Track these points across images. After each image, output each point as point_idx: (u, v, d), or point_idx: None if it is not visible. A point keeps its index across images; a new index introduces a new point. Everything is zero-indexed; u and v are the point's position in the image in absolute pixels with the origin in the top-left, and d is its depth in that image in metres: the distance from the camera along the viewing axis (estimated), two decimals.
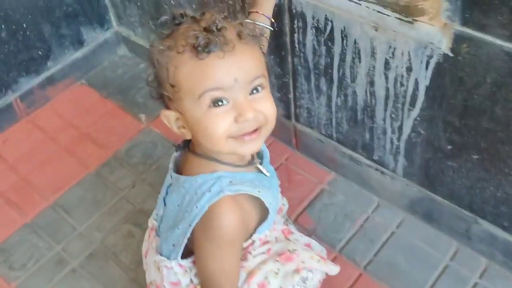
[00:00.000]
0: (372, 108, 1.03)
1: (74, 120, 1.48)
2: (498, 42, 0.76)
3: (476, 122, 0.88)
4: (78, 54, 1.54)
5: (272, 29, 0.93)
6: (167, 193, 0.85)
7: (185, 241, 0.80)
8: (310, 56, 1.06)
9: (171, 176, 0.84)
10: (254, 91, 0.73)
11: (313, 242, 0.94)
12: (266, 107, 0.74)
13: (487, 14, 0.74)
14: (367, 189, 1.22)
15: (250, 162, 0.84)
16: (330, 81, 1.07)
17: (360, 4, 0.90)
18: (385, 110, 1.01)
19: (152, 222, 0.92)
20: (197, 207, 0.76)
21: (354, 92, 1.04)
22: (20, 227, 1.25)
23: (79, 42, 1.53)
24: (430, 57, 0.86)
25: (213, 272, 0.80)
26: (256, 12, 0.92)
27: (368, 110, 1.05)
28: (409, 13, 0.85)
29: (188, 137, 0.79)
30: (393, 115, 1.01)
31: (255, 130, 0.74)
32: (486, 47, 0.78)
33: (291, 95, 1.20)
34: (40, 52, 1.45)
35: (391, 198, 1.18)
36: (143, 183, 1.31)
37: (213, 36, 0.70)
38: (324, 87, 1.09)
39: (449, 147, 0.96)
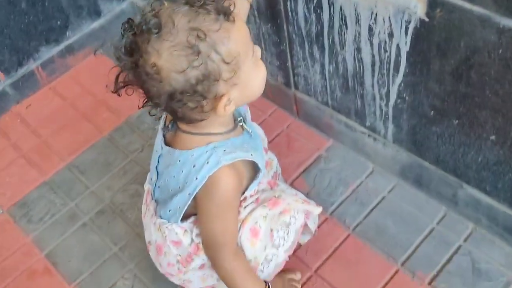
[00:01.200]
0: (361, 74, 1.06)
1: (91, 87, 1.57)
2: (468, 6, 0.77)
3: (454, 87, 0.90)
4: (95, 24, 1.62)
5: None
6: (158, 162, 0.91)
7: (186, 208, 0.87)
8: (302, 24, 1.09)
9: (162, 147, 0.89)
10: None
11: (299, 194, 0.99)
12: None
13: None
14: (362, 155, 1.25)
15: (235, 125, 0.89)
16: (322, 49, 1.10)
17: None
18: (373, 76, 1.04)
19: (147, 186, 0.99)
20: (197, 178, 0.82)
21: (344, 59, 1.07)
22: (39, 184, 1.36)
23: (96, 13, 1.61)
24: (408, 22, 0.88)
25: (219, 232, 0.87)
26: None
27: (357, 77, 1.08)
28: None
29: (224, 114, 0.79)
30: (380, 81, 1.03)
31: None
32: (458, 11, 0.79)
33: (289, 63, 1.24)
34: (58, 22, 1.53)
35: (384, 164, 1.21)
36: (151, 148, 1.36)
37: (217, 4, 0.74)
38: (317, 54, 1.13)
39: (432, 112, 0.98)
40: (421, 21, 0.86)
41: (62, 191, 1.34)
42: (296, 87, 1.29)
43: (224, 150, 0.82)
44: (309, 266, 1.11)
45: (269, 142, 1.33)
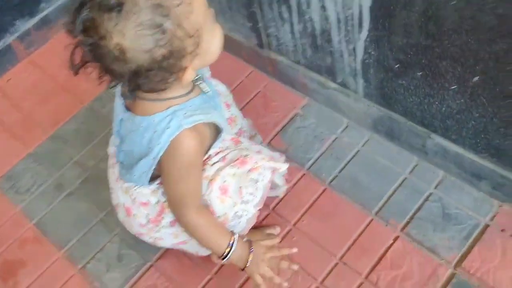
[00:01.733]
0: (328, 32, 1.08)
1: None
2: None
3: (415, 39, 0.92)
4: None
5: None
6: (120, 126, 0.93)
7: (151, 171, 0.90)
8: None
9: (123, 111, 0.91)
10: None
11: (264, 149, 1.03)
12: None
13: None
14: (336, 111, 1.28)
15: (194, 85, 0.91)
16: (289, 8, 1.11)
17: None
18: (339, 33, 1.06)
19: (111, 149, 1.02)
20: (159, 143, 0.84)
21: (311, 18, 1.08)
22: (24, 156, 1.39)
23: None
24: None
25: (182, 192, 0.91)
26: None
27: (325, 35, 1.09)
28: None
29: (186, 82, 0.81)
30: (346, 38, 1.05)
31: None
32: None
33: (260, 24, 1.25)
34: None
35: (357, 119, 1.24)
36: None
37: None
38: (285, 14, 1.14)
39: (397, 65, 1.00)
40: None
41: (47, 161, 1.37)
42: (270, 48, 1.30)
43: (185, 113, 0.84)
44: (287, 220, 1.16)
45: (246, 103, 1.37)
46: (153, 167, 0.88)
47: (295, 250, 1.09)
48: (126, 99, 0.91)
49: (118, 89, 0.93)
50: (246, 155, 0.95)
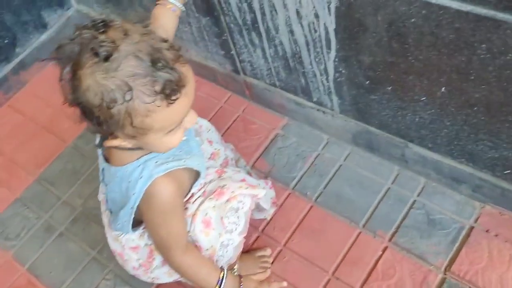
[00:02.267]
0: (299, 54, 1.11)
1: (49, 99, 1.59)
2: None
3: (381, 57, 0.95)
4: (44, 37, 1.63)
5: (184, 9, 0.98)
6: (104, 176, 0.95)
7: (131, 219, 0.92)
8: (237, 14, 1.13)
9: (103, 161, 0.92)
10: None
11: (248, 178, 1.05)
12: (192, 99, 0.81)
13: None
14: (316, 129, 1.31)
15: None
16: (259, 35, 1.14)
17: None
18: (309, 55, 1.08)
19: (100, 196, 1.04)
20: (134, 193, 0.86)
21: (281, 42, 1.11)
22: (11, 202, 1.40)
23: (43, 25, 1.62)
24: (330, 2, 0.92)
25: (165, 237, 0.92)
26: None
27: (296, 57, 1.12)
28: None
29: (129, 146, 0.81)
30: (316, 59, 1.08)
31: None
32: None
33: (233, 52, 1.28)
34: (6, 41, 1.54)
35: (337, 134, 1.27)
36: None
37: (170, 76, 0.71)
38: (256, 40, 1.17)
39: (367, 82, 1.03)
40: (340, 0, 0.90)
41: (35, 205, 1.38)
42: (244, 73, 1.33)
43: (156, 162, 0.85)
44: (277, 241, 1.18)
45: (228, 128, 1.39)
46: (132, 216, 0.90)
47: (285, 284, 1.10)
48: (102, 148, 0.92)
49: (96, 142, 0.95)
50: (223, 186, 0.97)
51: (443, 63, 0.85)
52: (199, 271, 0.96)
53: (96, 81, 0.70)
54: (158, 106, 0.72)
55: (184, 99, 0.75)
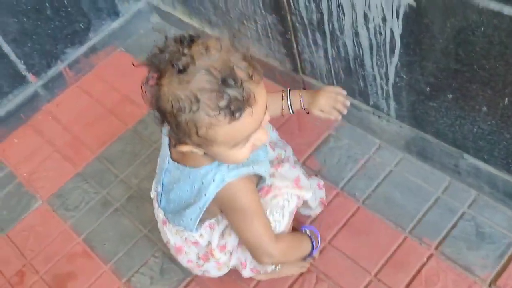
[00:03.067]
0: (361, 57, 1.13)
1: (115, 83, 1.68)
2: None
3: (445, 64, 0.96)
4: (115, 24, 1.72)
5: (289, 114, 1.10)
6: (164, 175, 0.99)
7: (198, 218, 0.96)
8: (304, 13, 1.17)
9: (168, 162, 0.97)
10: None
11: (302, 176, 1.08)
12: (268, 117, 0.86)
13: None
14: (369, 133, 1.33)
15: None
16: (323, 35, 1.17)
17: None
18: (371, 58, 1.11)
19: (153, 193, 1.09)
20: (205, 194, 0.91)
21: (344, 44, 1.14)
22: (73, 176, 1.49)
23: (115, 13, 1.71)
24: (399, 7, 0.94)
25: (251, 236, 0.96)
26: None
27: (358, 60, 1.15)
28: None
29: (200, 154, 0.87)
30: (378, 63, 1.10)
31: None
32: None
33: (295, 51, 1.31)
34: (81, 26, 1.64)
35: (390, 140, 1.28)
36: None
37: (238, 94, 0.75)
38: (319, 41, 1.20)
39: (428, 89, 1.05)
40: (410, 6, 0.92)
41: (94, 180, 1.46)
42: (304, 72, 1.36)
43: (228, 166, 0.90)
44: (323, 237, 1.20)
45: (282, 124, 1.42)
46: (200, 215, 0.95)
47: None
48: (173, 149, 0.96)
49: (165, 140, 0.99)
50: (270, 184, 1.01)
51: (509, 74, 0.86)
52: (296, 248, 1.06)
53: (170, 90, 0.77)
54: (221, 121, 0.76)
55: (249, 118, 0.78)
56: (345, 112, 1.08)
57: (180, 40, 0.79)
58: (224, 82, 0.75)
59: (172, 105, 0.76)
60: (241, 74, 0.76)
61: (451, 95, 1.01)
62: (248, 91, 0.76)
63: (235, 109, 0.75)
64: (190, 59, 0.75)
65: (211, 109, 0.75)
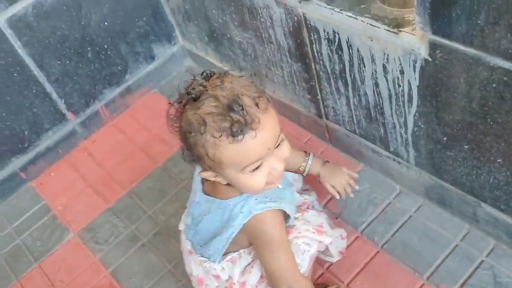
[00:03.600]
0: (381, 106, 1.18)
1: (148, 123, 1.77)
2: (462, 47, 0.88)
3: (460, 116, 1.00)
4: (151, 67, 1.83)
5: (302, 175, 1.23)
6: (195, 208, 1.06)
7: (224, 249, 1.01)
8: (327, 63, 1.23)
9: (199, 195, 1.03)
10: (278, 145, 0.90)
11: (325, 224, 1.12)
12: (286, 150, 0.92)
13: (449, 25, 0.87)
14: (390, 178, 1.36)
15: None
16: (345, 84, 1.23)
17: (357, 19, 1.06)
18: (391, 107, 1.15)
19: (182, 226, 1.15)
20: (233, 225, 0.97)
21: (365, 93, 1.19)
22: (104, 210, 1.56)
23: (151, 57, 1.82)
24: (415, 61, 1.00)
25: (276, 269, 0.99)
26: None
27: (378, 108, 1.20)
28: (396, 25, 1.00)
29: (224, 183, 0.93)
30: (397, 112, 1.15)
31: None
32: (455, 52, 0.90)
33: (319, 97, 1.37)
34: (119, 68, 1.75)
35: (410, 186, 1.31)
36: None
37: (241, 117, 0.82)
38: (342, 89, 1.26)
39: (445, 138, 1.08)
40: (426, 60, 0.97)
41: (124, 216, 1.53)
42: (327, 117, 1.42)
43: (256, 199, 0.95)
44: (341, 280, 1.22)
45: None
46: (226, 246, 1.00)
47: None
48: (206, 182, 1.02)
49: (197, 177, 1.05)
50: (293, 226, 1.06)
51: None
52: None
53: (186, 116, 0.87)
54: (223, 141, 0.83)
55: (252, 140, 0.83)
56: (352, 196, 1.26)
57: (201, 74, 0.90)
58: (228, 107, 0.82)
59: (185, 129, 0.86)
60: (247, 101, 0.84)
61: (467, 146, 1.04)
62: (252, 116, 0.82)
63: (236, 130, 0.82)
64: (204, 88, 0.86)
65: (215, 130, 0.82)
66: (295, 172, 1.21)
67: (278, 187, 1.01)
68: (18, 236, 1.56)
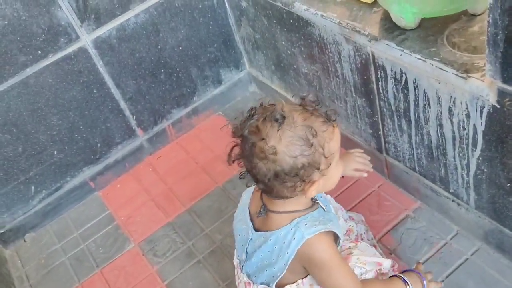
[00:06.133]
0: (444, 147, 1.19)
1: (211, 144, 1.85)
2: None
3: None
4: (217, 91, 1.91)
5: None
6: (248, 244, 1.08)
7: (279, 277, 1.04)
8: (392, 101, 1.26)
9: (252, 232, 1.06)
10: None
11: (377, 255, 1.13)
12: (338, 156, 1.00)
13: None
14: (447, 218, 1.36)
15: (313, 203, 1.06)
16: (409, 122, 1.25)
17: (426, 61, 1.08)
18: (454, 149, 1.16)
19: (236, 261, 1.18)
20: (287, 252, 1.00)
21: (428, 133, 1.21)
22: (164, 224, 1.63)
23: (218, 81, 1.90)
24: (483, 107, 1.01)
25: (340, 286, 1.02)
26: None
27: (440, 149, 1.21)
28: (465, 70, 1.02)
29: (310, 196, 0.97)
30: (460, 154, 1.16)
31: None
32: None
33: (380, 132, 1.40)
34: (188, 90, 1.85)
35: (468, 228, 1.30)
36: None
37: (322, 112, 0.95)
38: (404, 127, 1.28)
39: (508, 184, 1.08)
40: (493, 107, 0.98)
41: (182, 231, 1.60)
42: (387, 153, 1.44)
43: (305, 224, 0.99)
44: None
45: (361, 200, 1.49)
46: (284, 272, 1.02)
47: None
48: (259, 216, 1.05)
49: (244, 216, 1.09)
50: (350, 253, 1.08)
51: None
52: None
53: (288, 135, 0.91)
54: (330, 131, 0.93)
55: (336, 129, 0.96)
56: (369, 168, 1.27)
57: (262, 106, 0.97)
58: (311, 110, 0.95)
59: (296, 148, 0.90)
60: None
61: None
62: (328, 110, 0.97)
63: (329, 117, 0.95)
64: (283, 112, 0.92)
65: (321, 125, 0.93)
66: None
67: (324, 208, 1.06)
68: (84, 241, 1.66)
